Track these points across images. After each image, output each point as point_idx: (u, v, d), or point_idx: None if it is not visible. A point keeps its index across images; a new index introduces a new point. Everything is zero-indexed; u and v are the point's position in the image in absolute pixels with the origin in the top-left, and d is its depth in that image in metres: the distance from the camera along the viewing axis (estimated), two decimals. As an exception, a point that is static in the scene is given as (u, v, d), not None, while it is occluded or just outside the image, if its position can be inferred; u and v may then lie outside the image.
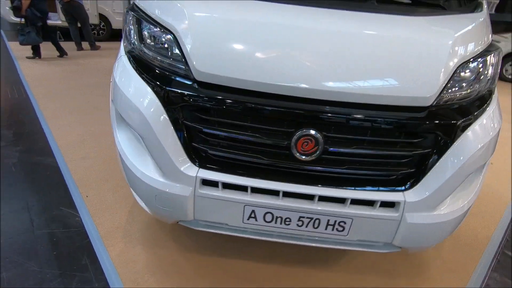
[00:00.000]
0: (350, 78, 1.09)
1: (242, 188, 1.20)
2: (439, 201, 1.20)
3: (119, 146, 1.35)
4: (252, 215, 1.23)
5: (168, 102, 1.16)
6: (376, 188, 1.19)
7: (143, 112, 1.18)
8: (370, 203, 1.19)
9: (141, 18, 1.32)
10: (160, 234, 1.75)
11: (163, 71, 1.22)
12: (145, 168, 1.26)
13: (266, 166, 1.19)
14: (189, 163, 1.20)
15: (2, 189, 2.00)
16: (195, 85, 1.15)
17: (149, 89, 1.19)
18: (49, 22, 7.28)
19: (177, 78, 1.18)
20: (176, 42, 1.19)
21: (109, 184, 2.15)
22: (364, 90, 1.09)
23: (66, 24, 6.56)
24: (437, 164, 1.16)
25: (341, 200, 1.19)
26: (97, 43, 6.81)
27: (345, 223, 1.21)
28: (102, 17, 7.62)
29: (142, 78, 1.23)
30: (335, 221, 1.21)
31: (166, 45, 1.23)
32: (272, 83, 1.09)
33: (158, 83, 1.19)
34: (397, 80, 1.10)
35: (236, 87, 1.12)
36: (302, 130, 1.10)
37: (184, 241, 1.71)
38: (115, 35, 8.14)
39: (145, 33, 1.30)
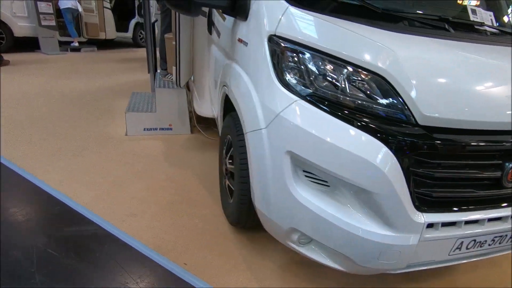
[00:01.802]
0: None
1: (451, 223, 1.23)
2: None
3: (311, 205, 1.20)
4: (459, 246, 1.28)
5: (399, 151, 1.10)
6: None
7: (376, 165, 1.08)
8: None
9: (318, 57, 1.19)
10: (296, 280, 1.60)
11: (377, 118, 1.14)
12: (364, 225, 1.15)
13: (474, 197, 1.25)
14: (415, 210, 1.16)
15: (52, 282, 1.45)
16: (423, 130, 1.13)
17: (375, 140, 1.10)
18: None
19: (400, 125, 1.14)
20: (390, 86, 1.12)
21: (188, 240, 1.81)
22: None
23: None
24: None
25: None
26: (4, 57, 5.33)
27: (519, 233, 1.38)
28: (0, 23, 5.96)
29: (358, 128, 1.12)
30: (514, 234, 1.37)
31: (374, 90, 1.15)
32: (497, 121, 1.16)
33: (384, 132, 1.11)
34: None
35: (460, 128, 1.15)
36: (513, 161, 1.21)
37: (326, 283, 1.61)
38: (20, 45, 6.50)
39: (336, 75, 1.17)
